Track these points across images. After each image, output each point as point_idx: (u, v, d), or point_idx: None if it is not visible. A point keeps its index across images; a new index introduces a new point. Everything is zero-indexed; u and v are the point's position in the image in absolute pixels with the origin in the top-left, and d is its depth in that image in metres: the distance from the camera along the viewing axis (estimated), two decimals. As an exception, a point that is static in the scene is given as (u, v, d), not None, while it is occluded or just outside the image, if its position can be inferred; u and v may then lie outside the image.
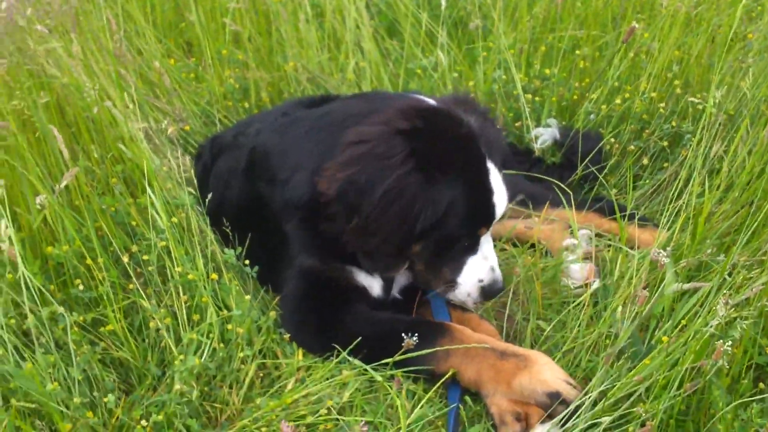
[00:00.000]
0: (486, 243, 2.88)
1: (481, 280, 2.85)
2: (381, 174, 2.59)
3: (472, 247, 2.85)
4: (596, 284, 3.04)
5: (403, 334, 2.51)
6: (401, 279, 3.03)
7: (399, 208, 2.60)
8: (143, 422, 2.46)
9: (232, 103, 4.16)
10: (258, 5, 4.42)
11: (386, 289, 2.98)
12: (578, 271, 3.16)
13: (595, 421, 2.39)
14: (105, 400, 2.51)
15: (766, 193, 2.92)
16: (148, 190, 2.87)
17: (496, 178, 2.77)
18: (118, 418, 2.53)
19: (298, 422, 2.52)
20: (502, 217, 2.89)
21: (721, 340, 2.25)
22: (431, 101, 2.94)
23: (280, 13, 4.33)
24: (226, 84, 4.17)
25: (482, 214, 2.77)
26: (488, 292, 2.88)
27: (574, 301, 3.01)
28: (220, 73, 4.23)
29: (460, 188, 2.68)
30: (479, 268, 2.85)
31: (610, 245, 3.27)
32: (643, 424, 2.36)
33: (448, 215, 2.68)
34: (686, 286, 2.57)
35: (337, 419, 2.55)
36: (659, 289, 2.70)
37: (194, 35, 4.39)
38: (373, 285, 2.94)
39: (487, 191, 2.75)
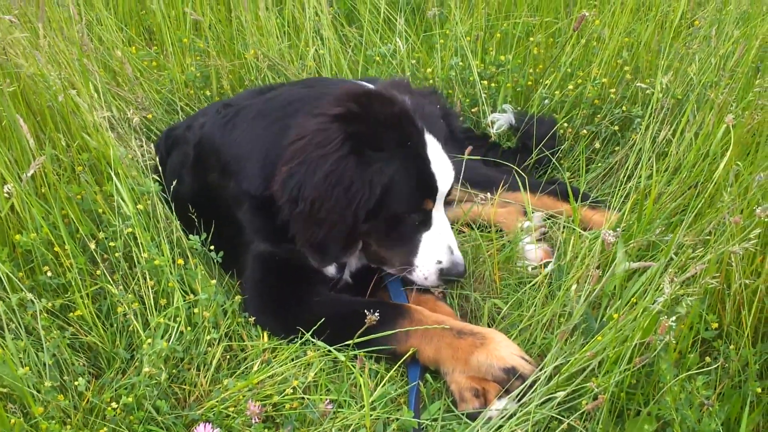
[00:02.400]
0: (440, 221, 2.93)
1: (439, 262, 2.90)
2: (319, 162, 2.70)
3: (425, 224, 2.90)
4: (551, 265, 3.14)
5: (365, 311, 2.58)
6: (353, 262, 3.09)
7: (339, 191, 2.71)
8: (113, 404, 2.50)
9: (194, 91, 4.19)
10: (218, -7, 4.46)
11: (339, 268, 3.05)
12: (533, 251, 3.27)
13: (550, 395, 2.49)
14: (75, 383, 2.54)
15: (710, 174, 3.02)
16: (114, 178, 2.92)
17: (435, 150, 2.86)
18: (88, 400, 2.57)
19: (264, 402, 2.59)
20: (451, 192, 2.97)
21: (666, 316, 2.36)
22: (368, 85, 3.02)
23: (240, 1, 4.37)
24: (188, 72, 4.21)
25: (424, 186, 2.85)
26: (448, 275, 2.92)
27: (530, 281, 3.11)
28: (181, 61, 4.28)
29: (398, 164, 2.77)
30: (436, 247, 2.90)
31: (563, 226, 3.36)
32: (595, 398, 2.43)
33: (389, 192, 2.77)
34: (634, 265, 2.67)
35: (303, 398, 2.62)
36: (611, 269, 2.81)
37: (155, 23, 4.41)
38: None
39: (426, 163, 2.83)
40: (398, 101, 2.88)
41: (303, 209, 2.75)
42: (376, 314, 2.49)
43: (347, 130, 2.73)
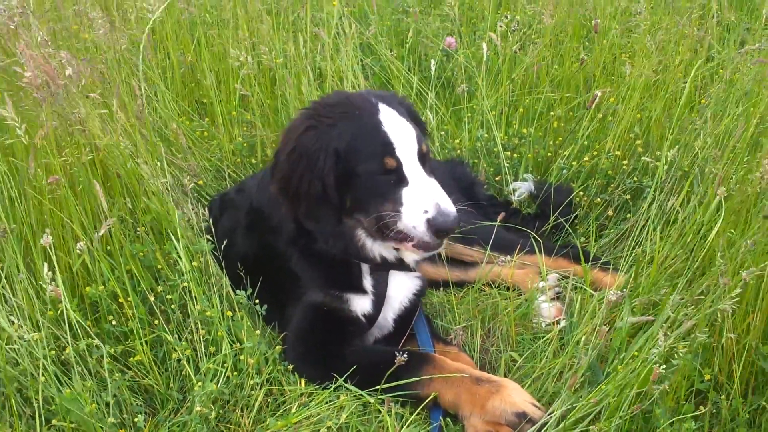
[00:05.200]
0: (420, 179, 3.03)
1: (426, 211, 2.98)
2: (286, 146, 3.11)
3: (400, 182, 3.02)
4: (563, 322, 3.44)
5: (395, 352, 2.89)
6: (395, 303, 3.37)
7: (303, 163, 3.04)
8: (168, 439, 2.84)
9: (241, 159, 4.54)
10: (264, 70, 4.83)
11: (377, 306, 3.31)
12: (547, 309, 3.57)
13: None
14: (135, 420, 2.86)
15: (703, 240, 3.30)
16: (172, 237, 3.28)
17: (388, 114, 3.10)
18: None
19: None
20: (423, 152, 3.10)
21: (658, 365, 2.64)
22: None
23: (284, 77, 4.74)
24: (236, 142, 4.56)
25: (379, 144, 3.04)
26: (437, 224, 2.97)
27: (543, 337, 3.39)
28: (230, 132, 4.63)
29: (352, 130, 3.06)
30: (420, 199, 3.00)
31: (576, 287, 3.65)
32: (597, 440, 2.71)
33: (351, 156, 3.04)
34: (634, 319, 2.96)
35: (336, 437, 2.91)
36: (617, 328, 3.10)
37: (207, 97, 4.79)
38: (366, 303, 3.28)
39: (378, 125, 3.06)
40: (350, 92, 3.25)
41: (280, 189, 3.12)
42: (405, 356, 2.79)
43: (309, 116, 3.14)
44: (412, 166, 3.04)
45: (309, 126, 3.10)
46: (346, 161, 3.04)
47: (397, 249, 3.26)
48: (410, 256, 3.34)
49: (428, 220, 2.98)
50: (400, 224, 3.02)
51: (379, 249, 3.24)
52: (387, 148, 3.03)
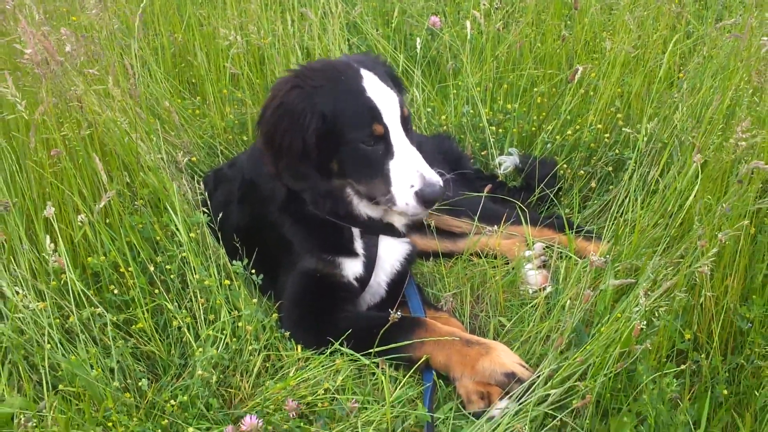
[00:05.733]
0: (404, 149, 3.16)
1: (412, 186, 3.11)
2: (272, 103, 3.22)
3: (387, 152, 3.15)
4: (549, 288, 3.57)
5: (389, 309, 3.02)
6: (386, 267, 3.49)
7: (286, 120, 3.16)
8: (171, 401, 2.92)
9: (233, 136, 4.63)
10: (253, 49, 4.91)
11: (368, 268, 3.42)
12: (534, 276, 3.70)
13: (546, 394, 2.86)
14: (139, 384, 2.96)
15: (682, 207, 3.43)
16: (170, 210, 3.38)
17: (371, 80, 3.21)
18: (148, 400, 2.96)
19: (299, 401, 2.97)
20: (406, 118, 3.22)
21: (637, 320, 2.77)
22: None
23: (273, 56, 4.83)
24: (227, 119, 4.64)
25: (366, 110, 3.15)
26: (424, 196, 3.10)
27: (530, 302, 3.53)
28: (221, 110, 4.72)
29: (338, 95, 3.18)
30: (405, 172, 3.13)
31: (561, 255, 3.77)
32: (583, 397, 2.82)
33: (336, 120, 3.16)
34: (616, 282, 3.09)
35: (333, 398, 3.01)
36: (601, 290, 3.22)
37: (198, 77, 4.88)
38: (357, 266, 3.39)
39: (362, 90, 3.18)
40: (332, 59, 3.35)
41: (264, 142, 3.25)
42: (398, 314, 2.93)
43: (295, 76, 3.26)
44: (397, 134, 3.17)
45: (294, 85, 3.21)
46: (333, 125, 3.16)
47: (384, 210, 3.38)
48: (398, 220, 3.46)
49: (416, 193, 3.11)
50: (396, 207, 3.18)
51: (365, 209, 3.35)
52: (374, 113, 3.15)
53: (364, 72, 3.23)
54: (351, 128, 3.15)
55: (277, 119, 3.20)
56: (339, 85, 3.21)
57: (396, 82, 3.44)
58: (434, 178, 3.12)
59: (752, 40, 3.85)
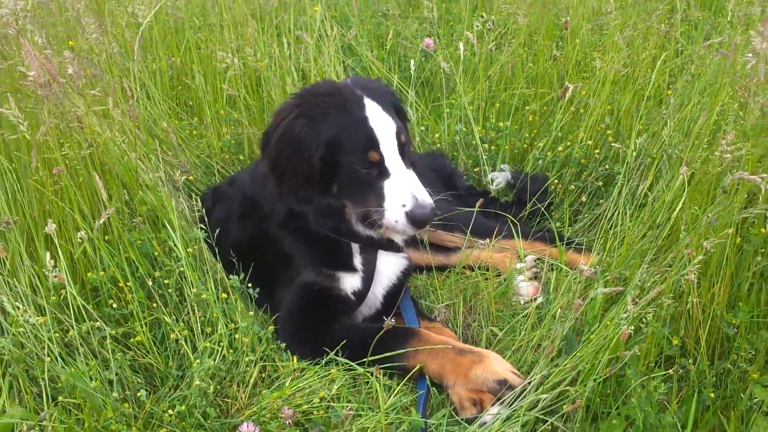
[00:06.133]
0: (399, 172, 3.23)
1: (404, 205, 3.18)
2: (276, 130, 3.30)
3: (382, 174, 3.23)
4: (540, 299, 3.64)
5: (384, 317, 3.08)
6: (383, 280, 3.56)
7: (290, 147, 3.25)
8: (169, 411, 2.97)
9: (229, 155, 4.70)
10: (250, 71, 5.00)
11: (366, 282, 3.49)
12: (525, 288, 3.76)
13: (537, 398, 2.91)
14: (138, 394, 3.02)
15: (668, 218, 3.50)
16: (168, 227, 3.45)
17: (373, 109, 3.29)
18: (146, 411, 3.01)
19: (296, 409, 3.02)
20: (403, 144, 3.29)
21: (625, 326, 2.84)
22: None
23: (269, 78, 4.92)
24: (224, 140, 4.72)
25: (364, 138, 3.24)
26: (414, 216, 3.17)
27: (522, 313, 3.59)
28: (218, 130, 4.80)
29: (340, 122, 3.26)
30: (398, 192, 3.20)
31: (552, 267, 3.84)
32: (573, 402, 2.88)
33: (337, 146, 3.24)
34: (605, 290, 3.16)
35: (328, 406, 3.07)
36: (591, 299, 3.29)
37: (196, 98, 4.96)
38: (355, 281, 3.46)
39: (364, 119, 3.26)
40: (338, 82, 3.44)
41: (269, 168, 3.33)
42: (392, 320, 3.00)
43: (298, 104, 3.32)
44: (393, 160, 3.24)
45: (299, 114, 3.28)
46: (334, 151, 3.23)
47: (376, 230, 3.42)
48: (395, 236, 3.53)
49: (407, 213, 3.18)
50: (384, 221, 3.23)
51: (363, 229, 3.41)
52: (372, 142, 3.23)
53: (367, 101, 3.31)
54: (349, 153, 3.23)
55: (282, 147, 3.28)
56: (343, 114, 3.28)
57: (398, 110, 3.52)
58: (426, 200, 3.18)
59: (738, 57, 3.94)
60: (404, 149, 3.30)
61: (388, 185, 3.22)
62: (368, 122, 3.25)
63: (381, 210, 3.22)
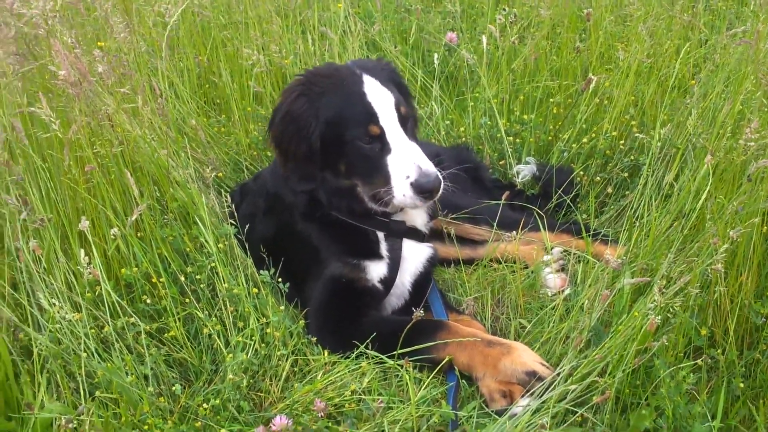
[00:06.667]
0: (401, 144, 3.26)
1: (408, 177, 3.20)
2: (280, 109, 3.40)
3: (384, 149, 3.27)
4: (568, 290, 3.66)
5: (413, 308, 3.12)
6: (410, 268, 3.59)
7: (293, 126, 3.34)
8: (204, 405, 3.03)
9: (257, 152, 4.75)
10: (275, 68, 5.06)
11: (392, 269, 3.52)
12: (553, 280, 3.79)
13: (566, 389, 2.93)
14: (173, 388, 3.09)
15: (694, 208, 3.51)
16: (199, 223, 3.51)
17: (371, 83, 3.34)
18: (181, 405, 3.08)
19: (327, 402, 3.06)
20: (403, 115, 3.31)
21: (653, 315, 2.86)
22: None
23: (295, 74, 4.94)
24: (251, 136, 4.77)
25: (363, 112, 3.29)
26: (420, 185, 3.18)
27: (549, 305, 3.61)
28: (246, 127, 4.85)
29: (339, 100, 3.33)
30: (401, 165, 3.23)
31: (579, 259, 3.87)
32: (603, 392, 2.90)
33: (338, 123, 3.31)
34: (632, 280, 3.17)
35: (360, 399, 3.11)
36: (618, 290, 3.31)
37: (223, 96, 5.02)
38: (382, 268, 3.50)
39: (362, 94, 3.31)
40: (342, 64, 3.50)
41: (274, 146, 3.46)
42: (421, 311, 3.05)
43: (301, 84, 3.41)
44: (394, 132, 3.28)
45: (300, 93, 3.37)
46: (335, 129, 3.31)
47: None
48: (419, 221, 3.60)
49: (411, 184, 3.20)
50: (395, 200, 3.27)
51: (378, 206, 3.42)
52: (371, 115, 3.28)
53: (365, 77, 3.36)
54: (350, 128, 3.29)
55: (285, 126, 3.38)
56: (341, 91, 3.36)
57: (398, 84, 3.55)
58: (430, 168, 3.20)
59: (761, 45, 3.94)
60: (407, 122, 3.35)
61: (391, 160, 3.26)
62: (366, 97, 3.31)
63: (389, 188, 3.25)
